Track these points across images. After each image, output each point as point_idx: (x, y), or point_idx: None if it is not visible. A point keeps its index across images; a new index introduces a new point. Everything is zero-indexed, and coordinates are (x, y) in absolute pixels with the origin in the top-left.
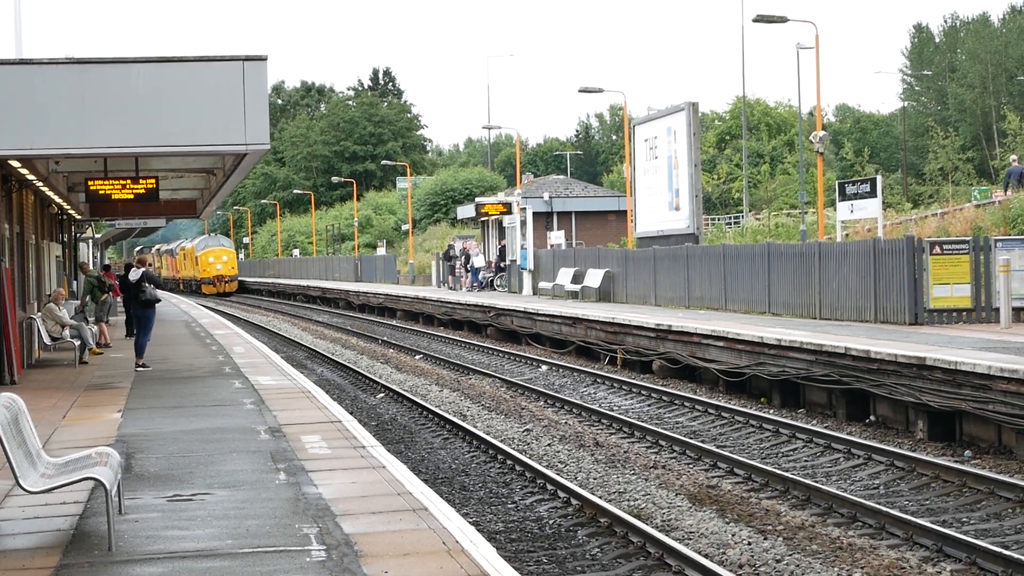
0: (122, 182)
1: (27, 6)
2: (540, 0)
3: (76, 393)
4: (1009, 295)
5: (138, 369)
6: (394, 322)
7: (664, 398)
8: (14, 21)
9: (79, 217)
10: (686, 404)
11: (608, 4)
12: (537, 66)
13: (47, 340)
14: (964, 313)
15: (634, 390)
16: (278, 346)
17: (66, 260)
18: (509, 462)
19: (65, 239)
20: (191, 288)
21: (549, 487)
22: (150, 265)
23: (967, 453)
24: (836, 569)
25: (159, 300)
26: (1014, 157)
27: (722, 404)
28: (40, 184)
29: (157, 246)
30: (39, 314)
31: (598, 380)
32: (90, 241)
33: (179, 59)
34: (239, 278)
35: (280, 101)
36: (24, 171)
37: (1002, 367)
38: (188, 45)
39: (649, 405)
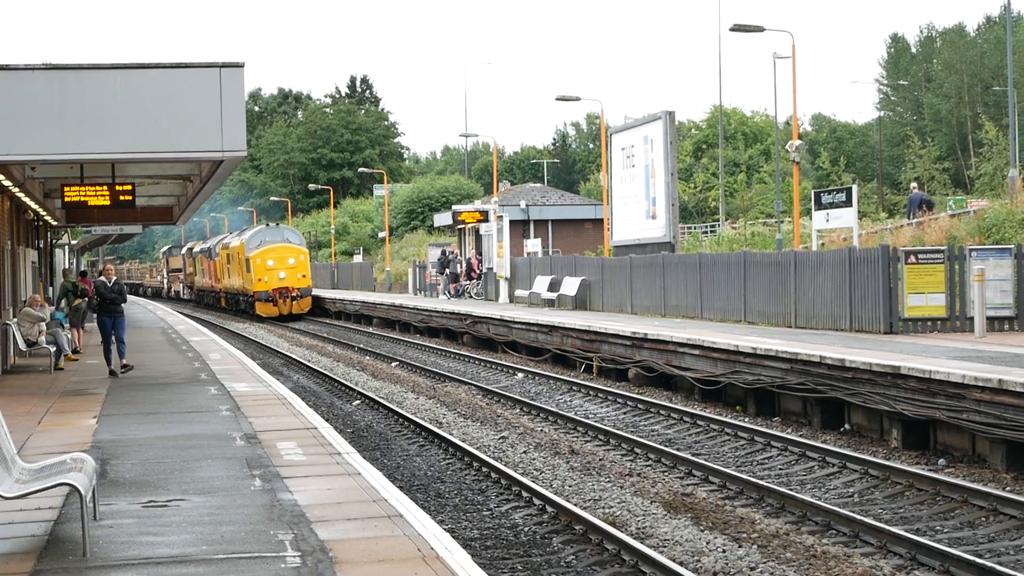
0: (98, 188)
1: (3, 12)
2: (518, 9)
3: (52, 399)
4: (984, 304)
5: (121, 373)
6: (371, 329)
7: (640, 406)
8: None
9: (55, 223)
10: (661, 412)
11: (586, 13)
12: (515, 74)
13: (23, 346)
14: (939, 322)
15: (610, 398)
16: (254, 353)
17: (42, 266)
18: (485, 469)
19: (41, 245)
20: (237, 305)
21: (524, 494)
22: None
23: (941, 462)
24: None
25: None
26: (914, 184)
27: (697, 412)
28: (16, 190)
29: (189, 244)
30: (14, 320)
31: (574, 388)
32: (66, 247)
33: (156, 65)
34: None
35: (257, 108)
36: (0, 177)
37: (976, 376)
38: (166, 52)
39: (625, 413)
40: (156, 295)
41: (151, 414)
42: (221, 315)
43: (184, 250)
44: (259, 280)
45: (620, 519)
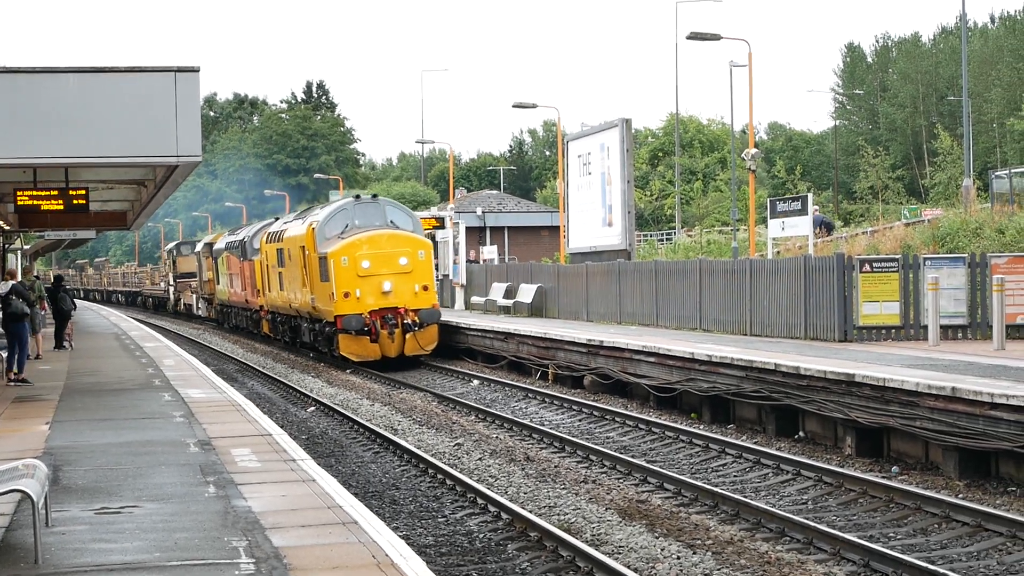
0: (51, 192)
1: None
2: (475, 15)
3: (3, 405)
4: (937, 313)
5: (13, 383)
6: None
7: (595, 413)
8: None
9: (7, 228)
10: (617, 419)
11: (543, 20)
12: (472, 81)
13: None
14: (893, 331)
15: (565, 405)
16: (208, 359)
17: None
18: (440, 476)
19: None
20: (297, 335)
21: (480, 501)
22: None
23: (894, 469)
24: None
25: (27, 314)
26: (816, 207)
27: (653, 419)
28: None
29: (208, 239)
30: None
31: (530, 395)
32: (19, 252)
33: (111, 69)
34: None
35: (213, 113)
36: None
37: (929, 384)
38: (121, 55)
39: (580, 420)
40: (159, 307)
41: (104, 420)
42: (264, 353)
43: (200, 247)
44: (344, 296)
45: (575, 526)
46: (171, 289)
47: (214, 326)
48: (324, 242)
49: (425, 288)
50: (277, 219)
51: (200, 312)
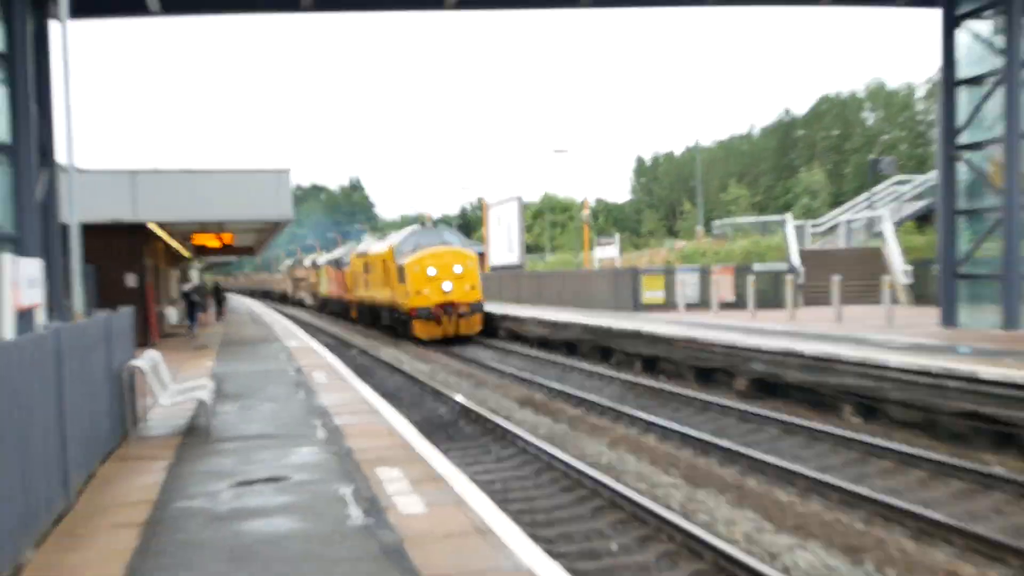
0: (212, 236)
1: (142, 135)
2: (404, 119)
3: (188, 351)
4: (684, 296)
5: (193, 338)
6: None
7: (506, 350)
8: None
9: (188, 255)
10: (518, 354)
11: (472, 138)
12: (435, 175)
13: (173, 321)
14: (660, 306)
15: (492, 347)
16: (306, 327)
17: (180, 279)
18: (425, 388)
19: (180, 267)
20: (377, 320)
21: (444, 399)
22: (194, 284)
23: (662, 377)
24: (597, 440)
25: (199, 303)
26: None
27: (534, 354)
28: (166, 236)
29: (312, 256)
30: (168, 307)
31: (475, 342)
32: (196, 269)
33: (244, 171)
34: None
35: (298, 192)
36: (158, 231)
37: (673, 333)
38: (232, 155)
39: (498, 354)
40: (282, 299)
41: (244, 359)
42: (397, 347)
43: (308, 262)
44: (417, 293)
45: (495, 409)
46: (290, 287)
47: (316, 312)
48: (401, 255)
49: (472, 287)
50: (359, 243)
51: (308, 303)
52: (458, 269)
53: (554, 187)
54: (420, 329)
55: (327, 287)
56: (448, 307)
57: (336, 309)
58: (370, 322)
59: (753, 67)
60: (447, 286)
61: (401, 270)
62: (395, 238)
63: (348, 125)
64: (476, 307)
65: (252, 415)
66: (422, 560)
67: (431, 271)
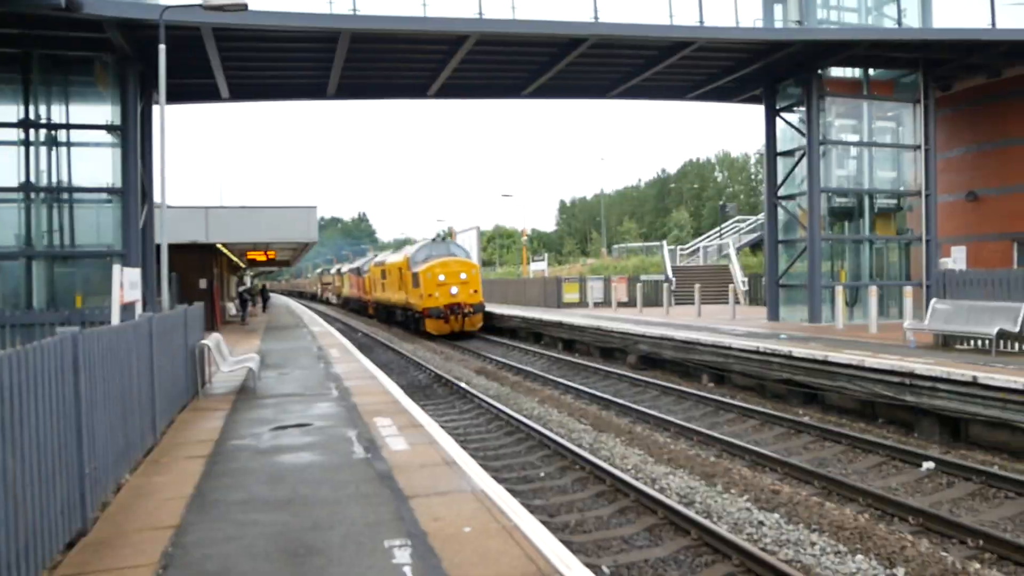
0: (260, 252)
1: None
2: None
3: (241, 333)
4: (592, 297)
5: (244, 324)
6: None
7: (489, 342)
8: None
9: (243, 266)
10: (476, 338)
11: (446, 181)
12: (421, 208)
13: (231, 313)
14: (577, 305)
15: (495, 342)
16: (329, 319)
17: (237, 283)
18: (409, 360)
19: (237, 274)
20: (392, 317)
21: (424, 368)
22: (247, 286)
23: (576, 355)
24: (530, 398)
25: (250, 300)
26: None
27: (506, 342)
28: (228, 253)
29: (338, 266)
30: (228, 303)
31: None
32: (248, 274)
33: (285, 207)
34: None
35: (321, 221)
36: (222, 249)
37: (587, 324)
38: (275, 192)
39: (463, 340)
40: (312, 298)
41: (282, 339)
42: (413, 341)
43: (333, 270)
44: (429, 296)
45: (461, 377)
46: (319, 289)
47: (338, 309)
48: (415, 264)
49: (475, 292)
50: (366, 258)
51: (333, 301)
52: (463, 276)
53: (502, 219)
54: (431, 326)
55: (348, 289)
56: (455, 307)
57: (355, 307)
58: (385, 318)
59: (640, 136)
60: (454, 290)
61: (415, 276)
62: (410, 250)
63: (358, 172)
64: (478, 308)
65: (286, 379)
66: (406, 482)
67: (441, 277)
